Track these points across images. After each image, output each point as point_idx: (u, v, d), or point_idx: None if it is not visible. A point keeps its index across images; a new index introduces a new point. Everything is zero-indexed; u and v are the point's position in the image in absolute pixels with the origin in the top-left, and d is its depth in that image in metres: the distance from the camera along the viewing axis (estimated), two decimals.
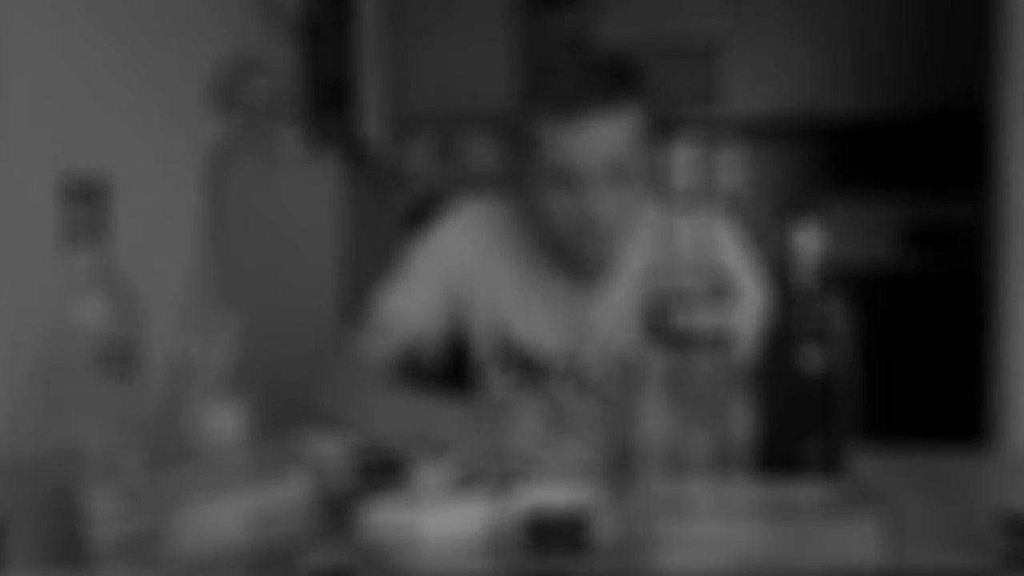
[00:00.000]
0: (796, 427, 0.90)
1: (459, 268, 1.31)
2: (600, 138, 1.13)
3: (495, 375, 1.35)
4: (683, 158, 0.90)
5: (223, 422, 1.00)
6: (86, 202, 0.89)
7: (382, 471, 0.94)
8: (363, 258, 2.43)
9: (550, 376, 1.31)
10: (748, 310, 1.11)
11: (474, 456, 0.98)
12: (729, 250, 1.26)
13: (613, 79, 1.16)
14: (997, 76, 2.34)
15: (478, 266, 1.30)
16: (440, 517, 0.84)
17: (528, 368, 1.32)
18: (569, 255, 1.26)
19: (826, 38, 3.53)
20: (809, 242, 0.89)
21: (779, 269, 0.91)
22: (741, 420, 0.94)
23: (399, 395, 1.20)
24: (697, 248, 0.89)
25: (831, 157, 3.67)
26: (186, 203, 2.18)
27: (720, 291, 0.89)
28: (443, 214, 1.36)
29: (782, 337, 0.91)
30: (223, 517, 0.86)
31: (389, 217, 2.82)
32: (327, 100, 2.87)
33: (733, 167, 3.67)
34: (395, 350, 1.29)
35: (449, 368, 1.41)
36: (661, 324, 0.88)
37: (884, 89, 3.49)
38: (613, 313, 1.27)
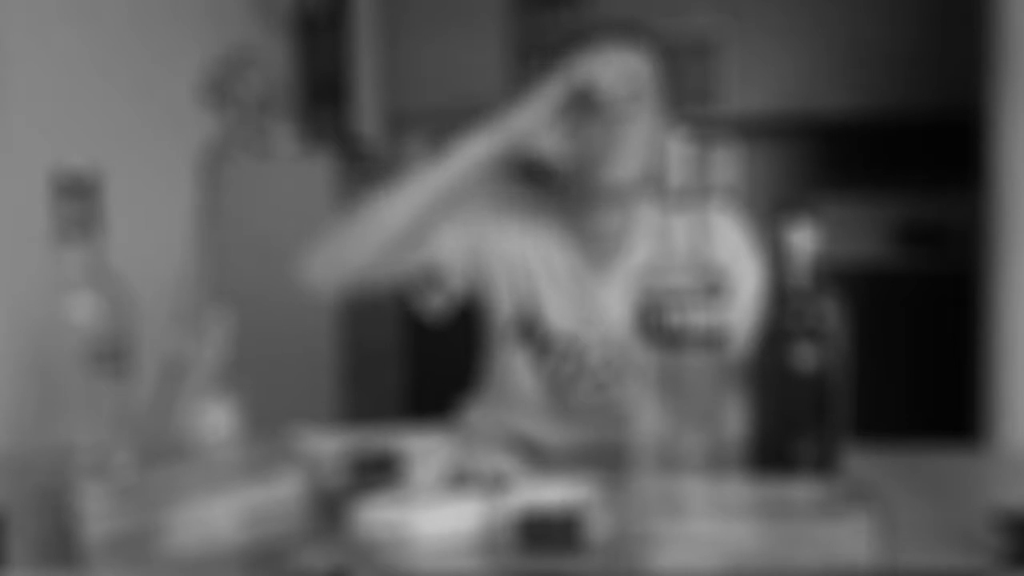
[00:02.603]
0: (790, 425, 0.90)
1: (485, 234, 1.32)
2: (618, 59, 1.24)
3: (514, 344, 1.35)
4: (678, 156, 0.89)
5: (215, 420, 1.00)
6: (78, 198, 0.88)
7: (375, 469, 0.94)
8: None
9: (551, 355, 1.32)
10: (744, 303, 1.11)
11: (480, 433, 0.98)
12: (731, 242, 1.27)
13: (624, 25, 1.31)
14: (991, 76, 2.34)
15: (503, 236, 1.33)
16: (433, 515, 0.84)
17: (535, 341, 1.33)
18: (587, 223, 1.29)
19: (821, 37, 3.53)
20: (803, 241, 0.89)
21: (773, 268, 0.91)
22: (735, 418, 0.94)
23: None
24: (692, 246, 0.89)
25: (825, 156, 3.68)
26: (179, 200, 2.17)
27: (714, 289, 0.89)
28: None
29: (776, 335, 0.91)
30: (215, 515, 0.85)
31: None
32: (322, 96, 2.86)
33: (727, 165, 3.67)
34: (413, 269, 1.29)
35: (457, 334, 1.42)
36: (655, 323, 0.88)
37: (878, 88, 3.50)
38: (619, 301, 1.28)
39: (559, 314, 1.31)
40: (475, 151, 1.24)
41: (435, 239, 1.29)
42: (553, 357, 1.32)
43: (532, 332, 1.33)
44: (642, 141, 1.23)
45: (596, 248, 1.31)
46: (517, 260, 1.33)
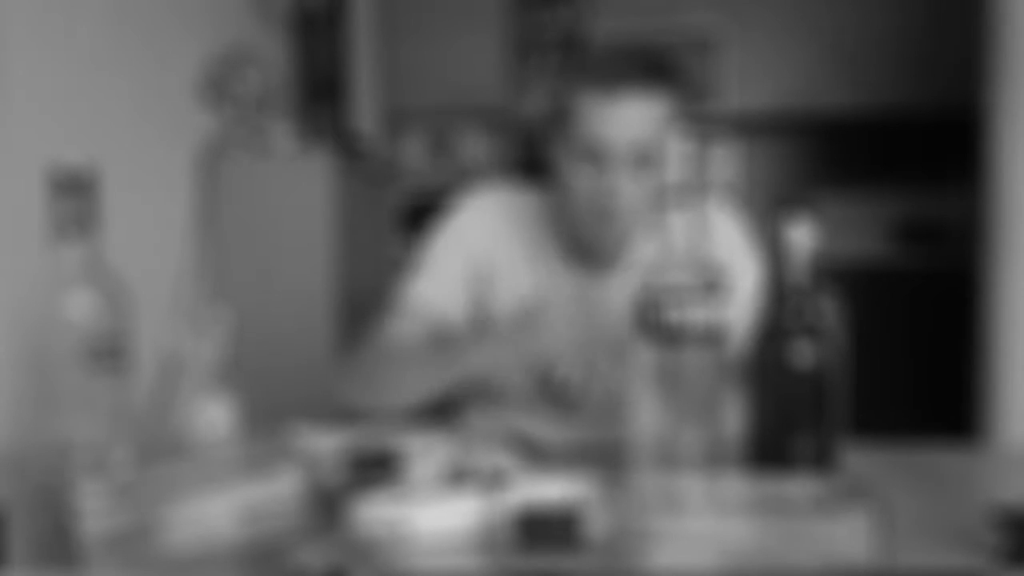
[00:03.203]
0: (788, 422, 0.90)
1: (480, 254, 1.32)
2: (633, 117, 1.16)
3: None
4: (676, 153, 0.89)
5: (214, 417, 1.00)
6: (75, 195, 0.88)
7: (374, 466, 0.94)
8: (356, 253, 2.42)
9: (559, 364, 1.32)
10: (744, 300, 1.11)
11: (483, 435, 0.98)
12: (729, 239, 1.27)
13: (650, 65, 1.20)
14: (990, 74, 2.34)
15: (498, 251, 1.32)
16: (432, 513, 0.84)
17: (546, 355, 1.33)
18: (584, 243, 1.27)
19: (820, 34, 3.54)
20: (801, 238, 0.89)
21: (772, 265, 0.91)
22: (733, 415, 0.94)
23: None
24: (690, 243, 0.89)
25: (824, 153, 3.68)
26: (177, 197, 2.17)
27: (712, 286, 0.89)
28: (440, 211, 1.37)
29: (774, 332, 0.91)
30: (213, 512, 0.85)
31: (382, 212, 2.81)
32: (320, 94, 2.86)
33: (727, 162, 3.67)
34: (423, 335, 1.29)
35: None
36: (653, 319, 0.88)
37: (878, 85, 3.50)
38: (624, 304, 1.28)
39: (566, 324, 1.31)
40: (442, 377, 1.21)
41: (438, 296, 1.30)
42: (563, 366, 1.32)
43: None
44: (645, 202, 1.19)
45: (597, 255, 1.30)
46: (521, 278, 1.31)
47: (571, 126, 1.19)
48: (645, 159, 1.17)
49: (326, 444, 1.00)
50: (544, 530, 0.80)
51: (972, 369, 2.55)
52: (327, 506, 0.90)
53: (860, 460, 0.96)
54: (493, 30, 3.68)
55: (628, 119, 1.16)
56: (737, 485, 0.87)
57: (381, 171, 2.87)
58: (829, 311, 0.90)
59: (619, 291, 1.28)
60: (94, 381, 0.88)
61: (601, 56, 1.23)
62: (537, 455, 1.08)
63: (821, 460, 0.89)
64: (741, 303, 1.09)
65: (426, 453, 0.95)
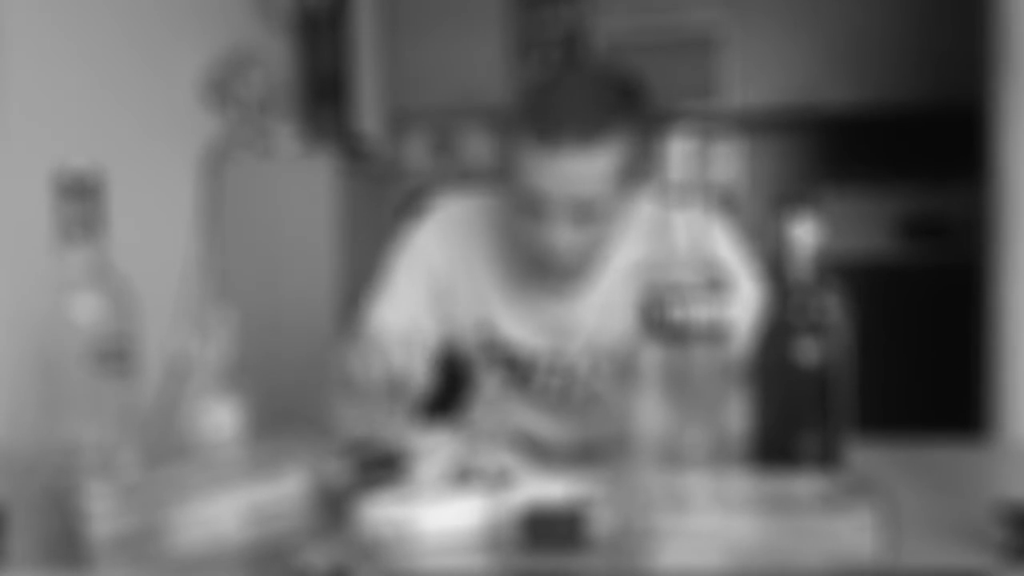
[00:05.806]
0: (793, 420, 0.90)
1: (441, 270, 1.29)
2: (573, 173, 1.10)
3: (482, 374, 1.35)
4: (678, 151, 0.89)
5: (220, 418, 1.00)
6: (81, 199, 0.89)
7: (379, 467, 0.94)
8: (359, 253, 2.43)
9: (536, 372, 1.30)
10: (741, 306, 1.11)
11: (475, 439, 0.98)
12: (722, 246, 1.26)
13: (600, 115, 1.10)
14: (994, 69, 2.34)
15: (459, 266, 1.29)
16: (437, 512, 0.84)
17: (514, 366, 1.31)
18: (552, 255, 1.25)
19: (823, 31, 3.53)
20: (805, 234, 0.89)
21: (775, 262, 0.91)
22: (738, 413, 0.95)
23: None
24: (693, 241, 0.89)
25: (828, 150, 3.67)
26: (181, 199, 2.18)
27: (716, 284, 0.89)
28: (430, 209, 1.35)
29: (778, 330, 0.91)
30: (219, 513, 0.86)
31: (385, 212, 2.82)
32: (323, 95, 2.86)
33: (729, 160, 3.66)
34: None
35: (445, 369, 1.41)
36: (657, 317, 0.88)
37: (881, 81, 3.49)
38: (601, 307, 1.26)
39: (535, 333, 1.29)
40: None
41: (402, 321, 1.26)
42: (540, 375, 1.31)
43: (512, 359, 1.31)
44: (587, 247, 1.16)
45: (567, 264, 1.23)
46: (485, 291, 1.29)
47: (513, 174, 1.14)
48: (587, 212, 1.12)
49: (331, 445, 1.00)
50: (549, 529, 0.80)
51: (978, 365, 2.55)
52: (333, 506, 0.90)
53: (865, 457, 0.96)
54: (495, 30, 3.68)
55: (568, 176, 1.09)
56: (742, 483, 0.87)
57: (384, 171, 2.87)
58: (833, 308, 0.90)
59: (596, 294, 1.26)
60: (100, 383, 0.89)
61: (548, 100, 1.12)
62: (541, 454, 1.08)
63: (826, 457, 0.89)
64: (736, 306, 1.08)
65: (431, 453, 0.95)
